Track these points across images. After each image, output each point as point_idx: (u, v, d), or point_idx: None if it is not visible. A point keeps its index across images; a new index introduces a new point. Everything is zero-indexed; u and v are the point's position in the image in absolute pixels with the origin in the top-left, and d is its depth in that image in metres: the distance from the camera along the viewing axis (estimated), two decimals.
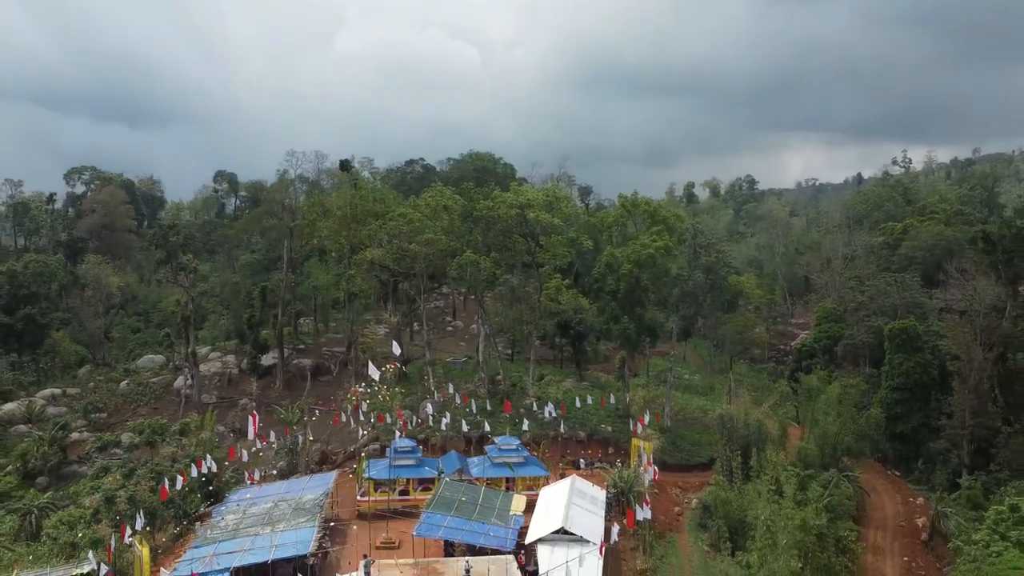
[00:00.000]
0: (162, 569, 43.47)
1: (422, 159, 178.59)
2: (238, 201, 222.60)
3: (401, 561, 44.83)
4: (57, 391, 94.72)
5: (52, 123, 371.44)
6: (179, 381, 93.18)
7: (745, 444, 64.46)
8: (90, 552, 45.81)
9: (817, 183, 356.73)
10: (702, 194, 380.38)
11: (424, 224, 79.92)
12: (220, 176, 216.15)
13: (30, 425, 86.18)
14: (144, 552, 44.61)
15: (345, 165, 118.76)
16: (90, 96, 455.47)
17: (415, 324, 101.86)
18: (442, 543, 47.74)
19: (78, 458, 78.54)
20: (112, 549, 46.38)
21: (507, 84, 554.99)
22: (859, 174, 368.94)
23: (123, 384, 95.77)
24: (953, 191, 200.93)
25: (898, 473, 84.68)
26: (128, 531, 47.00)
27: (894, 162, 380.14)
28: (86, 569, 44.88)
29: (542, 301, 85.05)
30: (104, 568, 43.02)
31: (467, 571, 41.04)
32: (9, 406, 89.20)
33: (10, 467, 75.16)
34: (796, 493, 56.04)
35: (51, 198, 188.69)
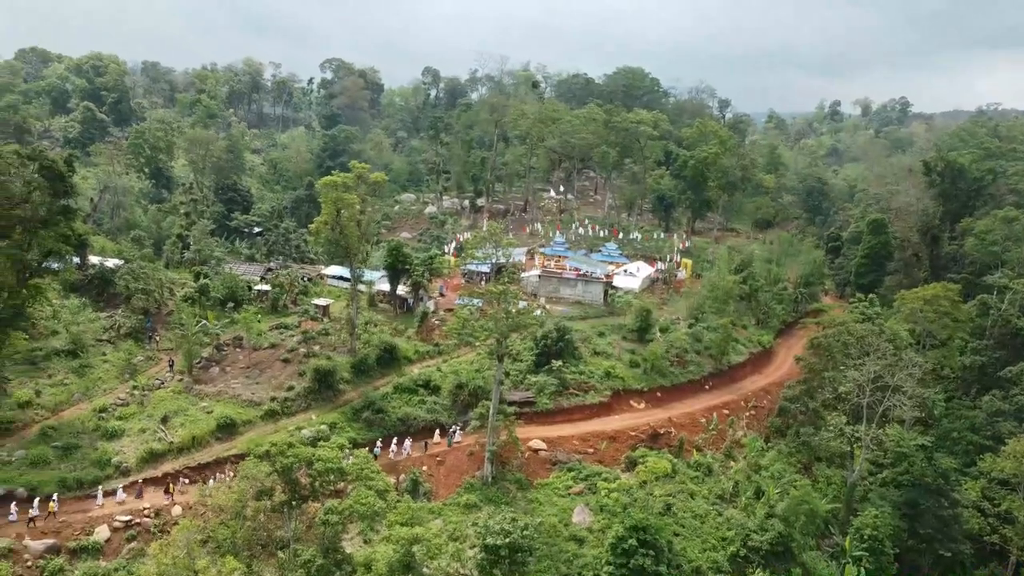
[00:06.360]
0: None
1: (585, 73, 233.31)
2: (439, 92, 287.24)
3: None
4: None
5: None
6: (429, 208, 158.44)
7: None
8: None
9: (999, 108, 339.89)
10: (854, 111, 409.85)
11: (580, 127, 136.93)
12: (426, 71, 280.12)
13: None
14: (453, 260, 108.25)
15: (535, 84, 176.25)
16: None
17: (568, 195, 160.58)
18: None
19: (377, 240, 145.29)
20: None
21: None
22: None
23: (395, 207, 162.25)
24: None
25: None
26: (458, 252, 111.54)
27: None
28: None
29: (649, 183, 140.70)
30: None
31: (579, 274, 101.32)
32: None
33: None
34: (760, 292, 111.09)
35: (310, 82, 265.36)
